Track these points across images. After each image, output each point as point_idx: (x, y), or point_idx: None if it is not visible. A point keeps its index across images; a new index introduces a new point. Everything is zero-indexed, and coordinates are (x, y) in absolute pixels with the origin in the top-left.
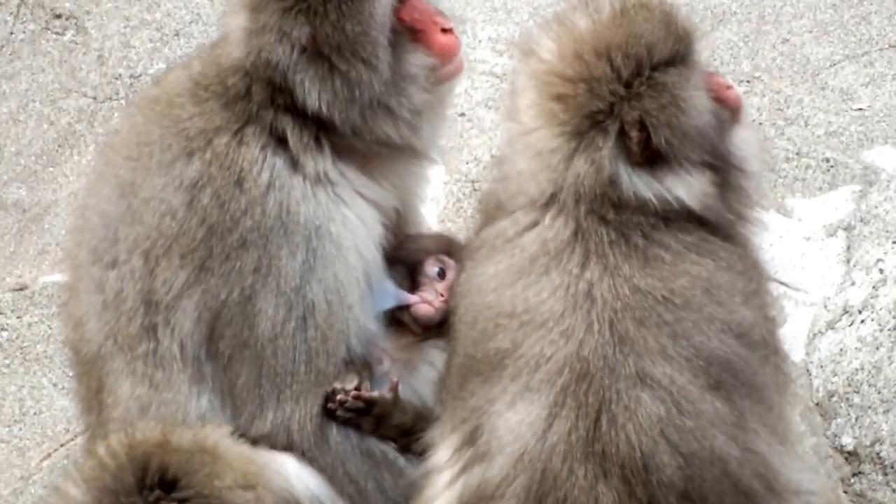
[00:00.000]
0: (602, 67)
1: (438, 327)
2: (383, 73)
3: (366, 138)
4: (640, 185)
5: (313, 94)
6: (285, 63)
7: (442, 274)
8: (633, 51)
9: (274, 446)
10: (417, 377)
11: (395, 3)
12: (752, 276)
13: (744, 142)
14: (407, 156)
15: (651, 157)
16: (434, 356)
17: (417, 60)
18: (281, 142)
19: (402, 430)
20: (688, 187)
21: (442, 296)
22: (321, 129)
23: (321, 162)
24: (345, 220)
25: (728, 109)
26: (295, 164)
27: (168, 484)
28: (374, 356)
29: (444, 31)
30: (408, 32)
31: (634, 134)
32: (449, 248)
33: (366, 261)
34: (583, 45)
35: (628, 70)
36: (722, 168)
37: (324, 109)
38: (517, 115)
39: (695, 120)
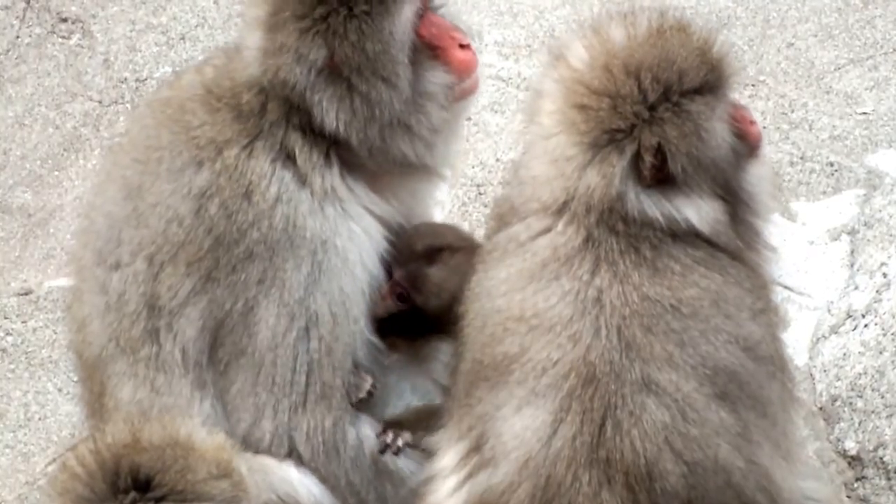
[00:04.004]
0: (629, 86)
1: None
2: (404, 91)
3: (379, 158)
4: (646, 204)
5: (331, 114)
6: (303, 83)
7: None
8: (663, 75)
9: (275, 455)
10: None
11: (414, 19)
12: (761, 294)
13: (757, 179)
14: (419, 173)
15: (662, 180)
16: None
17: (437, 78)
18: (290, 156)
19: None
20: (698, 210)
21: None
22: (332, 145)
23: (329, 178)
24: (351, 234)
25: (748, 144)
26: (303, 180)
27: (142, 484)
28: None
29: (462, 46)
30: (427, 49)
31: (649, 159)
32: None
33: (370, 274)
34: (614, 59)
35: (655, 94)
36: (732, 202)
37: (341, 130)
38: (539, 118)
39: (713, 152)
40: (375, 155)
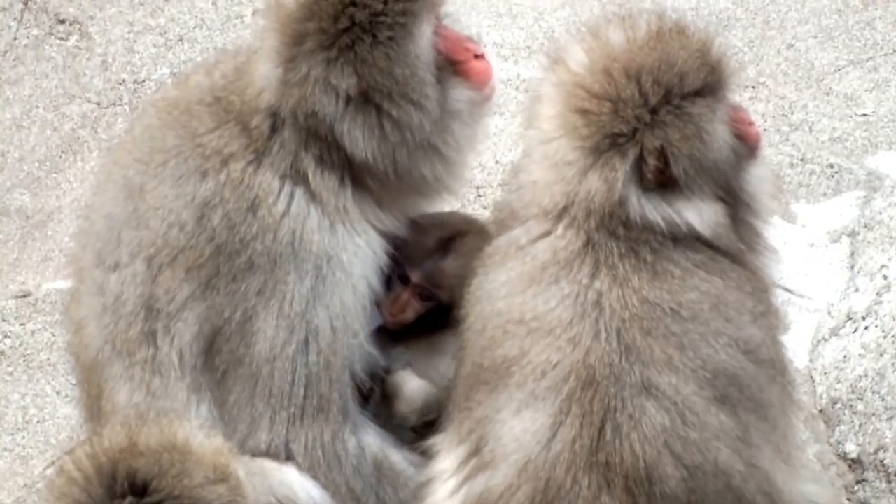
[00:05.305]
0: (630, 90)
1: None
2: (433, 112)
3: (402, 180)
4: (648, 208)
5: (360, 143)
6: (332, 113)
7: (404, 280)
8: (664, 77)
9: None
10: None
11: (433, 38)
12: (762, 298)
13: (757, 179)
14: (432, 192)
15: (665, 183)
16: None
17: (462, 96)
18: (301, 176)
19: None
20: (699, 213)
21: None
22: (346, 168)
23: (343, 200)
24: (357, 249)
25: (747, 145)
26: (314, 197)
27: (139, 489)
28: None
29: (477, 57)
30: (448, 65)
31: (652, 162)
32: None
33: (372, 288)
34: (614, 62)
35: (656, 97)
36: (733, 203)
37: (370, 157)
38: (538, 123)
39: (715, 154)
40: (400, 177)
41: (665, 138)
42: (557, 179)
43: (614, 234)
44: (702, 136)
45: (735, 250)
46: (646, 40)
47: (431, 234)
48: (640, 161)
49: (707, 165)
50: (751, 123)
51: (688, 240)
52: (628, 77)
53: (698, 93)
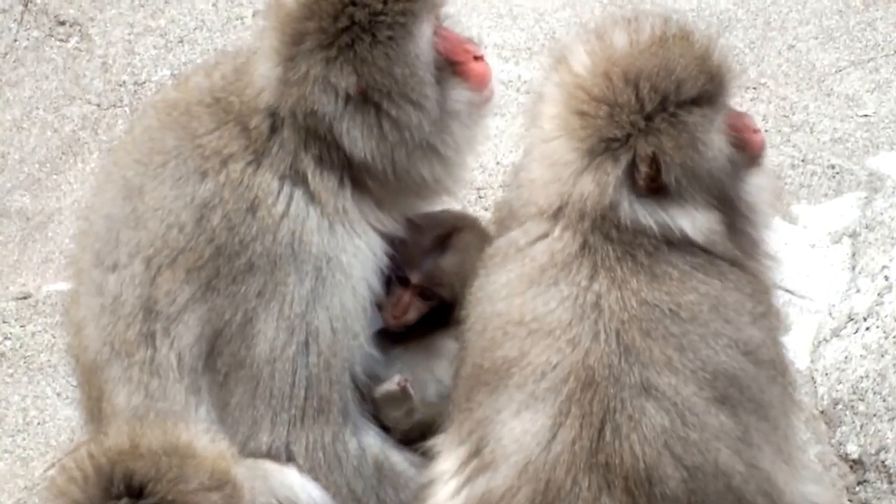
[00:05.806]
0: (627, 95)
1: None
2: (432, 112)
3: (400, 180)
4: (641, 213)
5: (359, 142)
6: (332, 112)
7: (404, 282)
8: (661, 84)
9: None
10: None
11: (433, 38)
12: (761, 299)
13: (756, 189)
14: (431, 193)
15: (657, 189)
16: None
17: (461, 96)
18: (301, 177)
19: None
20: (692, 220)
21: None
22: (345, 169)
23: (342, 200)
24: (356, 250)
25: (749, 153)
26: (314, 199)
27: (136, 491)
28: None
29: (476, 58)
30: (447, 65)
31: (644, 169)
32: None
33: (371, 290)
34: (614, 66)
35: (652, 103)
36: (729, 213)
37: (369, 157)
38: (540, 122)
39: (709, 164)
40: (398, 178)
41: (658, 146)
42: (554, 179)
43: (608, 237)
44: (696, 145)
45: (731, 256)
46: (648, 45)
47: (427, 233)
48: (632, 167)
49: (700, 175)
50: (756, 131)
51: (683, 244)
52: (626, 82)
53: (694, 101)
